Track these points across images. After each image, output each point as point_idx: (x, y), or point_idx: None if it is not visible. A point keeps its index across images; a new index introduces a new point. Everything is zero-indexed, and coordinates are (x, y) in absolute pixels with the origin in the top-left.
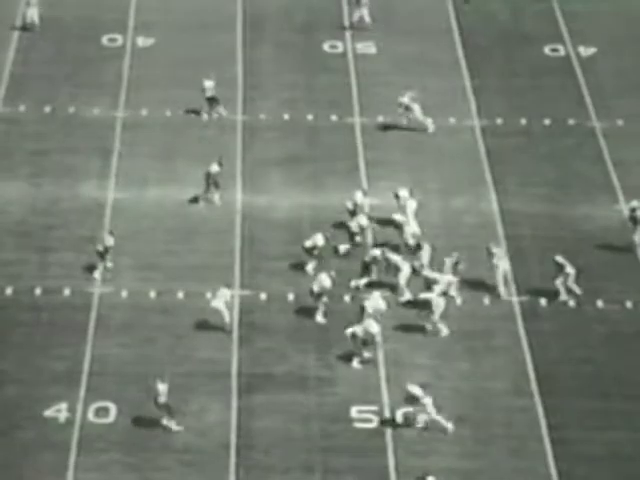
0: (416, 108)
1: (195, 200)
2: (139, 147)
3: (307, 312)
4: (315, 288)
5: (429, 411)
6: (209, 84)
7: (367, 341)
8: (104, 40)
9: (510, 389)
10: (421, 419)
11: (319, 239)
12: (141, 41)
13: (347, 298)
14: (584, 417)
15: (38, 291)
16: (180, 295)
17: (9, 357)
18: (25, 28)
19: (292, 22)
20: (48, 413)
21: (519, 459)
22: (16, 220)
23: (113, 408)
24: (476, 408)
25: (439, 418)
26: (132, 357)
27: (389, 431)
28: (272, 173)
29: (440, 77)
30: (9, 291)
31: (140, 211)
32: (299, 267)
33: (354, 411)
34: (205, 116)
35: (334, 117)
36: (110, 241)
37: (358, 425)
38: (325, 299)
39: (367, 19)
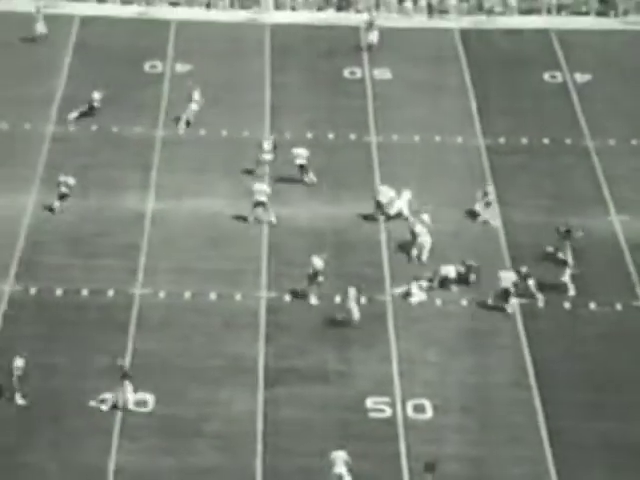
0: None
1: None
2: (176, 162)
3: (327, 312)
4: (310, 270)
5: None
6: (97, 96)
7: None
8: (146, 66)
9: (511, 383)
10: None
11: (265, 189)
12: (179, 67)
13: (363, 299)
14: (578, 409)
15: (85, 292)
16: (212, 296)
17: (59, 352)
18: (34, 40)
19: (315, 50)
20: (93, 403)
21: (519, 446)
22: (66, 228)
23: (152, 398)
24: (480, 400)
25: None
26: (169, 352)
27: (401, 420)
28: (296, 186)
29: (449, 100)
30: (59, 292)
31: (176, 220)
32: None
33: (369, 402)
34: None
35: (352, 136)
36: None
37: (373, 415)
38: (321, 279)
39: (375, 40)
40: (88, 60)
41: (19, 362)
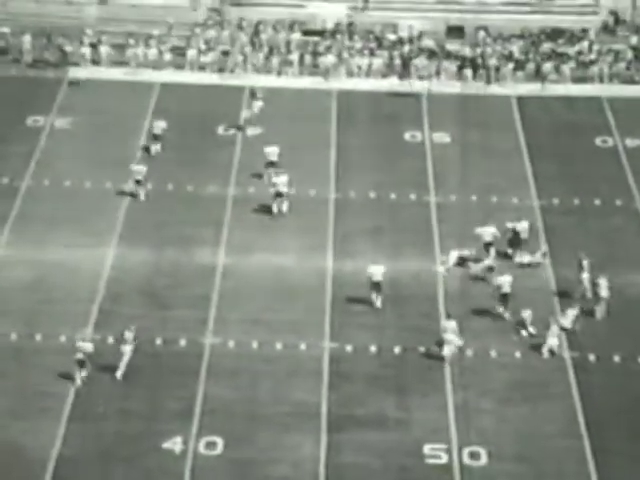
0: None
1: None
2: (246, 220)
3: (388, 362)
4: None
5: None
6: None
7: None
8: (219, 130)
9: (563, 432)
10: None
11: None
12: (250, 131)
13: (422, 348)
14: (627, 458)
15: (159, 341)
16: (279, 346)
17: (135, 396)
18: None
19: (379, 115)
20: (166, 445)
21: None
22: (143, 281)
23: (221, 442)
24: (534, 448)
25: None
26: (238, 398)
27: (457, 467)
28: (359, 242)
29: (505, 163)
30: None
31: (246, 274)
32: (381, 323)
33: (426, 449)
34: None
35: (413, 196)
36: None
37: (430, 461)
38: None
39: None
40: (166, 124)
41: (128, 335)
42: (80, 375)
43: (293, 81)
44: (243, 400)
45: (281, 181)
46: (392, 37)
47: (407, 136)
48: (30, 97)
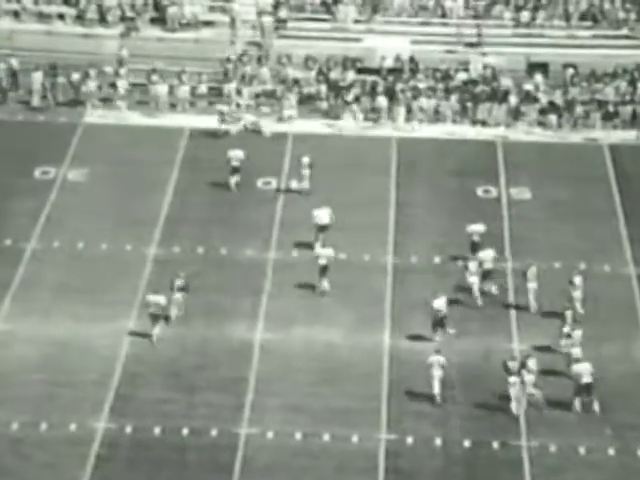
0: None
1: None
2: (288, 288)
3: (455, 458)
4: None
5: None
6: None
7: None
8: (259, 184)
9: None
10: None
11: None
12: (295, 184)
13: (496, 445)
14: None
15: (185, 431)
16: (326, 438)
17: None
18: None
19: (445, 167)
20: None
21: None
22: (166, 359)
23: None
24: None
25: None
26: None
27: None
28: (421, 316)
29: (595, 224)
30: (157, 430)
31: (287, 351)
32: (448, 412)
33: None
34: None
35: None
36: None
37: None
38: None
39: None
40: (195, 175)
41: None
42: (156, 331)
43: (346, 126)
44: None
45: (236, 155)
46: (462, 76)
47: (479, 191)
48: (39, 145)
